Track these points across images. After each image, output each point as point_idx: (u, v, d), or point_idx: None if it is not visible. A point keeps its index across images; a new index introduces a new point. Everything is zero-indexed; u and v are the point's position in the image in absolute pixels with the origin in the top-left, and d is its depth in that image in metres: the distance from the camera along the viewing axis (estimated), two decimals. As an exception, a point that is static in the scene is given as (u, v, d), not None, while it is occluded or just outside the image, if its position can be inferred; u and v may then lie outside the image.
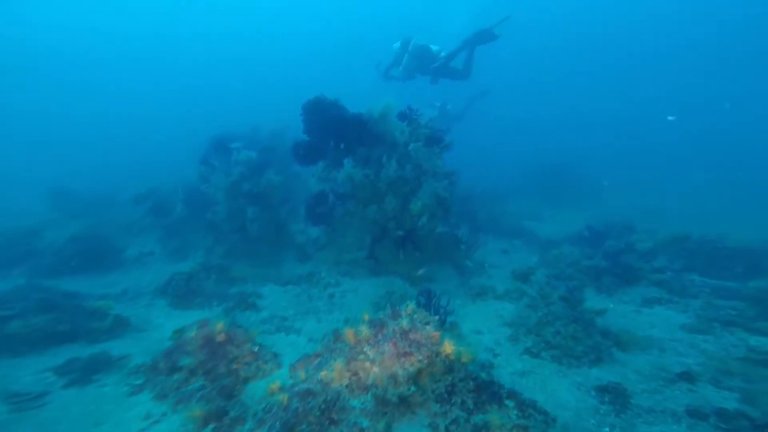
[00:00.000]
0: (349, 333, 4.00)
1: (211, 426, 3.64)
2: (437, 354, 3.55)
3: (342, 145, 7.87)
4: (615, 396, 3.97)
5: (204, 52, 58.41)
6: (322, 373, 3.61)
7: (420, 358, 3.48)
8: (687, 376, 4.26)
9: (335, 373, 3.52)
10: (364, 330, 3.94)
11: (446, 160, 7.46)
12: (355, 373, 3.52)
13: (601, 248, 8.22)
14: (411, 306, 4.25)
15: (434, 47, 11.81)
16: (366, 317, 4.50)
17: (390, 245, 7.83)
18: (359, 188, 7.32)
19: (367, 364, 3.54)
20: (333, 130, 7.85)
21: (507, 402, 3.32)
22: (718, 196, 18.72)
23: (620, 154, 30.41)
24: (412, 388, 3.35)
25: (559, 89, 50.15)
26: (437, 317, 4.21)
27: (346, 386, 3.45)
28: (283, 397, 3.55)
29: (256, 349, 4.67)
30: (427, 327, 3.85)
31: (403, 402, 3.33)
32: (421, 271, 6.91)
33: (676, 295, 6.35)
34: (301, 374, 3.92)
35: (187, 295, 6.67)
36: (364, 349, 3.72)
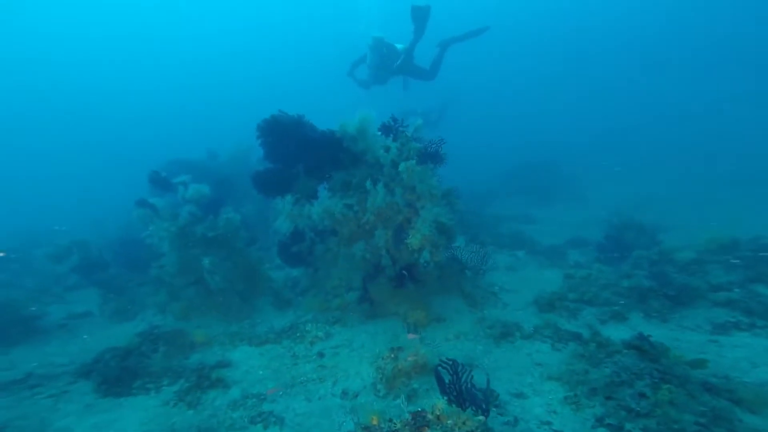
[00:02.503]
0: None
1: None
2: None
3: (313, 171, 6.51)
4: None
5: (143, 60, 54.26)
6: None
7: None
8: None
9: None
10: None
11: (441, 176, 6.19)
12: None
13: (626, 259, 7.12)
14: (441, 405, 2.90)
15: (399, 46, 11.23)
16: (374, 422, 3.12)
17: (385, 283, 6.49)
18: (342, 223, 5.96)
19: None
20: (300, 153, 6.48)
21: None
22: (702, 187, 18.29)
23: (596, 150, 30.30)
24: None
25: (530, 89, 50.48)
26: (479, 413, 2.86)
27: None
28: None
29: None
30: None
31: None
32: (411, 336, 5.60)
33: (760, 317, 5.20)
34: None
35: (122, 378, 5.04)
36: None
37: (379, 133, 5.99)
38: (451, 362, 3.62)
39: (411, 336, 5.58)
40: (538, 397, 4.24)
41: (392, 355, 5.21)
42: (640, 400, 3.45)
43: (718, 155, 22.68)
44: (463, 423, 2.73)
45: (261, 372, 5.45)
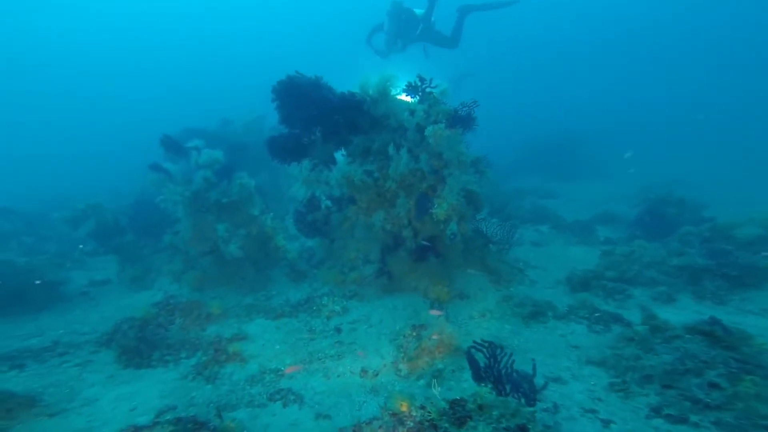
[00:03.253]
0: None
1: None
2: None
3: (331, 136, 6.06)
4: None
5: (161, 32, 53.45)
6: None
7: None
8: None
9: None
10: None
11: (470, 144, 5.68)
12: None
13: (670, 236, 6.58)
14: (484, 393, 2.56)
15: (418, 11, 10.77)
16: (404, 408, 2.82)
17: (405, 256, 6.14)
18: (361, 190, 5.55)
19: None
20: (317, 116, 6.02)
21: None
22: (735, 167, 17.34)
23: (618, 128, 29.24)
24: None
25: (551, 67, 48.64)
26: (523, 402, 2.53)
27: None
28: None
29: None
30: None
31: None
32: (435, 312, 5.23)
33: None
34: None
35: (141, 349, 4.91)
36: None
37: (404, 93, 5.46)
38: (487, 344, 3.27)
39: (435, 312, 5.25)
40: (579, 383, 3.90)
41: (414, 333, 4.92)
42: (711, 390, 3.06)
43: (748, 137, 21.58)
44: (512, 415, 2.39)
45: (278, 346, 5.24)
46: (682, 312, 4.90)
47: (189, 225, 6.76)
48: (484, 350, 3.26)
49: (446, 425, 2.44)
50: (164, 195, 6.92)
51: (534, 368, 3.19)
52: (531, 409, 2.48)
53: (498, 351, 3.18)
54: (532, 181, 18.61)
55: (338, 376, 4.56)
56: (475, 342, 3.41)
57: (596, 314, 4.81)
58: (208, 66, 55.19)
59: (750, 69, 38.44)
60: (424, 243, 5.80)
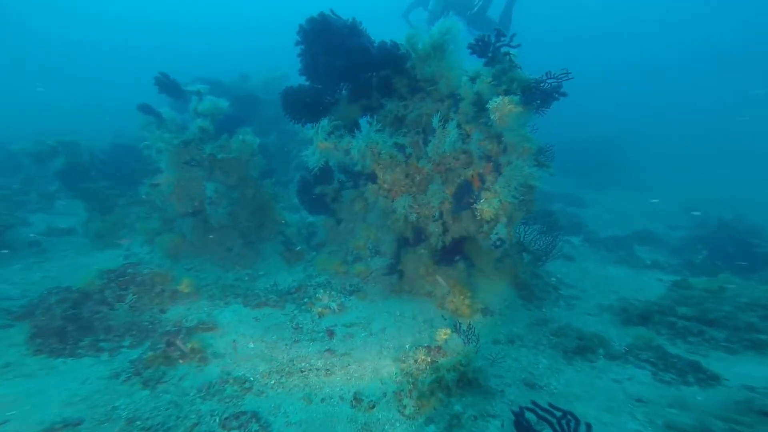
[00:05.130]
0: None
1: None
2: None
3: (360, 96, 4.85)
4: None
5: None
6: None
7: None
8: None
9: None
10: None
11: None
12: None
13: (754, 271, 5.33)
14: None
15: None
16: None
17: (425, 255, 4.98)
18: (386, 167, 4.35)
19: None
20: (348, 69, 4.79)
21: None
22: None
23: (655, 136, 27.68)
24: None
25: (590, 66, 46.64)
26: None
27: None
28: None
29: None
30: None
31: None
32: (467, 325, 4.05)
33: None
34: None
35: (67, 331, 3.80)
36: None
37: (469, 51, 4.16)
38: (561, 413, 2.12)
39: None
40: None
41: (428, 359, 3.80)
42: None
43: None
44: None
45: (252, 345, 4.15)
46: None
47: (172, 178, 5.63)
48: (554, 423, 2.12)
49: None
50: (148, 140, 5.81)
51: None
52: None
53: (572, 424, 2.04)
54: (559, 184, 17.27)
55: (322, 400, 3.46)
56: (534, 404, 2.28)
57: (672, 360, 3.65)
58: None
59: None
60: (455, 243, 4.63)
